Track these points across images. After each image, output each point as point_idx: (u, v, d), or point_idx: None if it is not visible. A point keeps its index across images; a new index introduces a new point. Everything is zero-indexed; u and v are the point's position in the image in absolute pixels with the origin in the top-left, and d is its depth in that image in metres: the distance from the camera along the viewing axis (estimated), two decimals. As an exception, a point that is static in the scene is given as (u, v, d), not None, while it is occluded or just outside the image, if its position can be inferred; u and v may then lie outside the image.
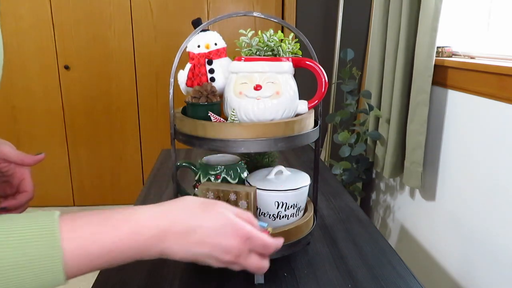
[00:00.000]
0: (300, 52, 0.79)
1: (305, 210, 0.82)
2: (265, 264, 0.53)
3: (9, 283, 0.37)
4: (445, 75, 1.50)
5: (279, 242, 0.54)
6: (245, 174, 0.80)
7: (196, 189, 0.81)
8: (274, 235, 0.73)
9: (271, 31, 0.78)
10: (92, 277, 0.66)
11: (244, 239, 0.50)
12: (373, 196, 2.20)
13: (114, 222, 0.45)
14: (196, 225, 0.48)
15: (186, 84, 0.80)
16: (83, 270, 0.43)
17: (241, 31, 0.80)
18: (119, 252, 0.44)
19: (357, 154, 1.88)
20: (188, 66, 0.80)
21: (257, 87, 0.69)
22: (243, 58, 0.72)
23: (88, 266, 0.43)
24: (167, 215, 0.48)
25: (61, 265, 0.40)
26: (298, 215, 0.78)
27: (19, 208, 0.65)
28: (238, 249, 0.50)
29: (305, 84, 1.25)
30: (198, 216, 0.49)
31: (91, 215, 0.45)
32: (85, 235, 0.42)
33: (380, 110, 1.84)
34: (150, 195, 1.15)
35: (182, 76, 0.81)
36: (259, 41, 0.77)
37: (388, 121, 1.76)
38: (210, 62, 0.78)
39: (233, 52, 0.82)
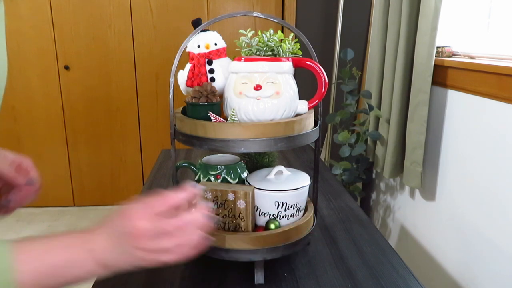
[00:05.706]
0: (300, 52, 0.79)
1: (305, 210, 0.82)
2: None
3: None
4: (445, 75, 1.50)
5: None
6: (245, 174, 0.80)
7: (195, 189, 0.81)
8: (275, 234, 0.73)
9: (271, 31, 0.78)
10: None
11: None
12: (373, 196, 2.20)
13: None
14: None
15: (186, 84, 0.80)
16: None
17: (241, 31, 0.80)
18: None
19: (357, 154, 1.88)
20: (188, 66, 0.80)
21: (257, 87, 0.69)
22: (243, 58, 0.72)
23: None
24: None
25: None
26: (298, 215, 0.78)
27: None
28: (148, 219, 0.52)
29: (305, 84, 1.25)
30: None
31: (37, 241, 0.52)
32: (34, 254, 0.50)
33: (380, 110, 1.84)
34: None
35: (182, 76, 0.80)
36: (259, 41, 0.77)
37: (388, 121, 1.76)
38: (210, 62, 0.78)
39: (233, 52, 0.82)
